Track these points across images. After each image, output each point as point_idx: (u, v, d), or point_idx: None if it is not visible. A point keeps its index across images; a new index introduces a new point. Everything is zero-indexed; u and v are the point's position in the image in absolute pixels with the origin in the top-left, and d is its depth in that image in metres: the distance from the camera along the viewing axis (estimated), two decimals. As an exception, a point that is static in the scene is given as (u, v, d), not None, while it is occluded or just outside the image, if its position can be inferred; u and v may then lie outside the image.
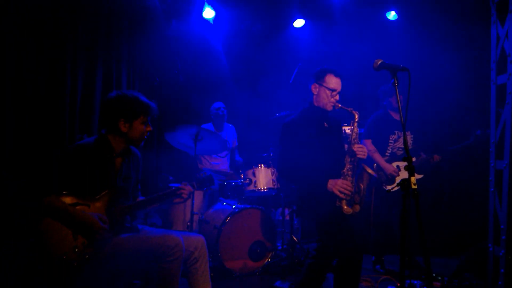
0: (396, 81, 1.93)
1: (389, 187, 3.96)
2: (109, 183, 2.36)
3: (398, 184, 1.75)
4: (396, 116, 4.16)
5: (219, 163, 5.04)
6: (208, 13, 5.03)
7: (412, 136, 4.14)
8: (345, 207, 2.59)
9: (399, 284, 3.44)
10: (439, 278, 3.46)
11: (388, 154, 4.10)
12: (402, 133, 4.11)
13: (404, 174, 4.00)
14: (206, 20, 5.12)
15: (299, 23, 5.45)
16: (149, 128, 2.47)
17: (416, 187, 1.68)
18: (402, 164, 4.06)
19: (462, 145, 3.94)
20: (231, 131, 5.23)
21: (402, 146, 4.03)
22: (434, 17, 4.72)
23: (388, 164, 3.99)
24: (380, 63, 2.03)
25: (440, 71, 4.54)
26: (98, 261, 2.21)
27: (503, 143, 2.84)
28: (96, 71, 4.55)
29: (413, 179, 1.69)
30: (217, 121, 5.02)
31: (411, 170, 1.72)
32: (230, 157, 5.20)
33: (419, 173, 4.03)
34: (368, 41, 5.01)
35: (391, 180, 3.98)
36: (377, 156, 4.01)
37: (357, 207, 2.61)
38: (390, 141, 4.11)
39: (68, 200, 2.22)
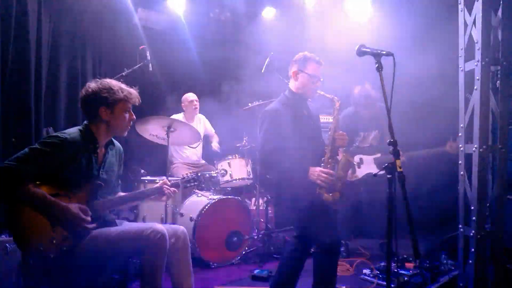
0: (380, 66, 1.95)
1: (374, 172, 4.10)
2: (91, 175, 2.28)
3: (383, 168, 1.78)
4: (366, 114, 4.27)
5: (190, 154, 4.97)
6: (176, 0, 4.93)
7: (379, 134, 4.26)
8: (325, 194, 2.61)
9: (372, 266, 3.57)
10: (411, 259, 3.58)
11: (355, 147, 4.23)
12: (367, 133, 4.24)
13: (366, 167, 4.17)
14: (173, 9, 5.01)
15: (269, 12, 5.43)
16: (132, 116, 2.40)
17: (401, 170, 1.71)
18: (366, 157, 4.25)
19: (434, 150, 4.08)
20: (203, 121, 5.16)
21: (368, 145, 4.20)
22: (404, 11, 4.80)
23: (357, 154, 4.16)
24: (363, 49, 2.05)
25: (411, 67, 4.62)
26: (77, 254, 2.13)
27: (472, 127, 2.94)
28: (60, 62, 4.38)
29: (398, 162, 1.73)
30: (189, 112, 4.94)
31: (396, 153, 1.75)
32: (202, 147, 5.14)
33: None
34: (339, 33, 5.03)
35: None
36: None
37: (337, 194, 2.64)
38: (357, 137, 4.24)
39: (47, 189, 2.12)
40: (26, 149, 2.14)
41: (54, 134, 2.27)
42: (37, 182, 2.13)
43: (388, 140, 1.78)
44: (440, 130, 4.18)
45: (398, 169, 1.72)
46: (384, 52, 1.94)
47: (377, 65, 1.94)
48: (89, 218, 2.17)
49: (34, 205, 2.09)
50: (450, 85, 3.70)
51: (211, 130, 5.24)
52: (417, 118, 4.65)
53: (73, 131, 2.30)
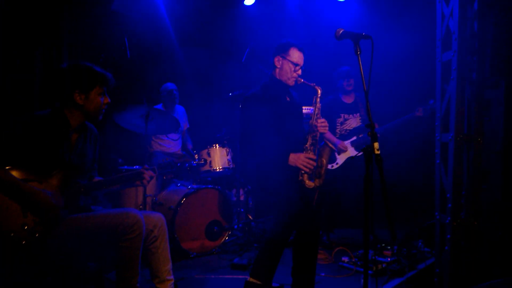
0: (358, 49, 1.95)
1: (352, 155, 4.26)
2: (63, 160, 2.22)
3: (361, 150, 1.80)
4: (346, 100, 4.42)
5: (171, 145, 4.91)
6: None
7: (360, 118, 4.38)
8: (307, 181, 2.62)
9: (351, 254, 3.61)
10: (389, 247, 3.63)
11: (337, 137, 4.35)
12: (348, 115, 4.36)
13: (351, 151, 4.32)
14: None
15: (249, 0, 5.38)
16: (107, 100, 2.35)
17: (379, 152, 1.72)
18: (344, 142, 4.35)
19: (404, 118, 4.15)
20: (182, 113, 5.10)
21: (349, 128, 4.36)
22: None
23: (338, 140, 4.26)
24: (342, 32, 2.05)
25: (387, 50, 4.70)
26: (50, 240, 2.08)
27: (448, 116, 2.99)
28: (35, 49, 4.26)
29: (376, 145, 1.74)
30: (168, 102, 4.85)
31: (374, 136, 1.76)
32: (181, 140, 5.09)
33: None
34: (318, 18, 5.05)
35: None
36: (328, 134, 4.20)
37: (318, 181, 2.66)
38: (337, 124, 4.41)
39: (18, 174, 2.06)
40: None
41: (24, 116, 2.20)
42: (7, 168, 2.07)
43: (366, 123, 1.79)
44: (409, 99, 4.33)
45: (376, 152, 1.73)
46: (363, 35, 1.95)
47: (355, 48, 1.95)
48: (61, 204, 2.12)
49: (4, 190, 2.03)
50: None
51: (186, 124, 5.19)
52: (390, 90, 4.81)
53: (43, 113, 2.24)
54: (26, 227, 2.03)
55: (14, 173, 2.08)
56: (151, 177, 2.46)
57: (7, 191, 2.04)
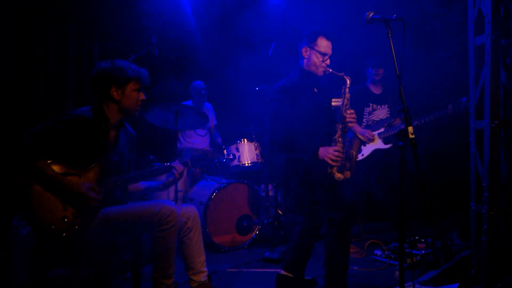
0: (390, 32, 1.92)
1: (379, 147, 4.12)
2: (102, 155, 2.29)
3: (395, 134, 1.76)
4: (374, 90, 4.36)
5: (199, 142, 4.97)
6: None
7: (388, 110, 4.29)
8: (337, 173, 2.59)
9: (384, 247, 3.55)
10: (423, 240, 3.55)
11: (364, 127, 4.25)
12: (377, 105, 4.29)
13: (372, 144, 4.15)
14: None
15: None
16: (142, 97, 2.40)
17: (413, 136, 1.69)
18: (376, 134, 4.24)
19: (434, 115, 3.97)
20: (210, 110, 5.15)
21: (376, 119, 4.25)
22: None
23: (365, 130, 4.13)
24: (372, 15, 2.01)
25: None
26: (89, 232, 2.15)
27: (483, 103, 2.90)
28: (67, 49, 4.40)
29: (410, 129, 1.70)
30: (198, 99, 4.92)
31: (408, 120, 1.73)
32: (209, 136, 5.14)
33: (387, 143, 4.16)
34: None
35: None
36: (355, 125, 4.11)
37: (348, 173, 2.63)
38: (364, 113, 4.32)
39: (58, 168, 2.14)
40: (39, 126, 2.15)
41: (67, 112, 2.27)
42: (48, 161, 2.14)
43: (399, 107, 1.75)
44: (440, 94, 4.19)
45: (410, 136, 1.70)
46: (393, 17, 1.91)
47: (387, 31, 1.91)
48: (99, 197, 2.18)
49: (45, 183, 2.10)
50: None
51: (213, 120, 5.23)
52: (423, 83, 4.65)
53: (85, 110, 2.32)
54: (66, 220, 2.10)
55: (55, 167, 2.15)
56: (182, 172, 2.50)
57: (48, 185, 2.11)
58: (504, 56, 2.84)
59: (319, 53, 2.74)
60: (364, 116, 4.29)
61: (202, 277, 2.45)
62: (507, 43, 2.84)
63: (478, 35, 2.95)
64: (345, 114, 2.68)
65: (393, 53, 1.87)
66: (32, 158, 2.09)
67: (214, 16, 5.46)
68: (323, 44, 2.74)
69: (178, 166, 2.48)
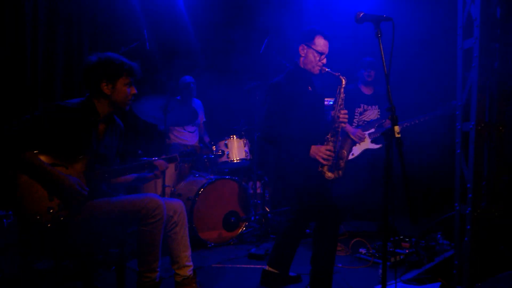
0: (379, 32, 1.93)
1: (369, 147, 4.19)
2: (89, 147, 2.28)
3: (382, 134, 1.78)
4: (365, 91, 4.41)
5: (188, 138, 4.96)
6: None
7: (379, 110, 4.34)
8: (327, 172, 2.61)
9: (368, 245, 3.59)
10: (407, 239, 3.60)
11: (354, 127, 4.29)
12: (368, 106, 4.34)
13: (362, 144, 4.22)
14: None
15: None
16: (134, 91, 2.38)
17: (399, 136, 1.71)
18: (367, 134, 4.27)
19: (423, 117, 4.04)
20: (199, 106, 5.14)
21: (367, 119, 4.29)
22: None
23: (356, 129, 4.18)
24: (362, 15, 2.03)
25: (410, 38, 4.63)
26: (74, 224, 2.13)
27: (469, 105, 2.94)
28: (56, 40, 4.36)
29: (396, 128, 1.72)
30: (186, 95, 4.91)
31: (394, 119, 1.75)
32: (198, 133, 5.13)
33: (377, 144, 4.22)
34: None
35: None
36: (346, 125, 4.16)
37: (339, 173, 2.65)
38: (355, 113, 4.37)
39: (45, 159, 2.12)
40: (27, 116, 2.13)
41: (56, 103, 2.25)
42: (35, 152, 2.12)
43: (386, 106, 1.77)
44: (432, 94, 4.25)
45: (396, 135, 1.72)
46: (383, 17, 1.93)
47: (376, 31, 1.93)
48: (85, 190, 2.17)
49: (32, 174, 2.09)
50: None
51: (202, 117, 5.22)
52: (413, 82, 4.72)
53: (74, 102, 2.30)
54: (51, 211, 2.09)
55: (42, 158, 2.13)
56: (165, 167, 2.52)
57: (35, 175, 2.09)
58: (492, 60, 2.88)
59: (316, 52, 2.75)
60: (355, 117, 4.35)
61: (187, 272, 2.44)
62: (495, 47, 2.88)
63: (467, 39, 2.99)
64: (338, 114, 2.69)
65: (382, 53, 1.88)
66: (19, 149, 2.07)
67: (205, 12, 5.44)
68: (321, 43, 2.75)
69: (161, 163, 2.52)
